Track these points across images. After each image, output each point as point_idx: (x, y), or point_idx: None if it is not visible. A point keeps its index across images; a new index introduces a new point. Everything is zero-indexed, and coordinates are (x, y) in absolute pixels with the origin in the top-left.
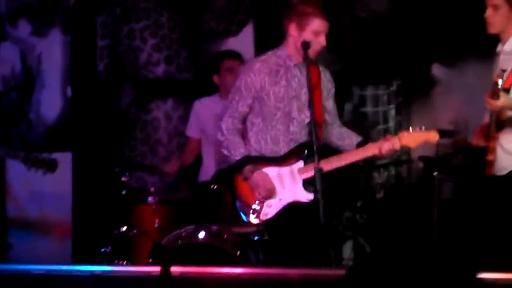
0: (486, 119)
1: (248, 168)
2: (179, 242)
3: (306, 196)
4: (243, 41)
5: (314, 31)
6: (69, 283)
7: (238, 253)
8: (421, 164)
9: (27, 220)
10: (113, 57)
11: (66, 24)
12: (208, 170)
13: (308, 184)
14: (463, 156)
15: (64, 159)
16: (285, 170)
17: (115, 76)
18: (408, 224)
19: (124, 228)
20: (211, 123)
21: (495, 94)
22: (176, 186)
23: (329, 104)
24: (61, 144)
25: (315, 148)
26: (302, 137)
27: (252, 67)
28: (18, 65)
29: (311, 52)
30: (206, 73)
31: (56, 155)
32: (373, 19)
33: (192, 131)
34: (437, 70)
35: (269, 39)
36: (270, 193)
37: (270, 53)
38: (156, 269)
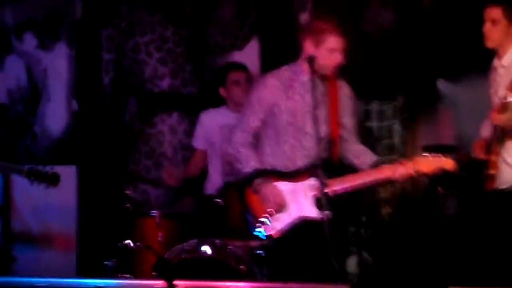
0: (484, 132)
1: (257, 181)
2: (183, 256)
3: (315, 213)
4: (248, 55)
5: (329, 48)
6: None
7: (242, 267)
8: (426, 179)
9: (31, 233)
10: (118, 71)
11: (71, 38)
12: (214, 182)
13: (318, 201)
14: (466, 172)
15: (69, 173)
16: (296, 185)
17: (120, 89)
18: (413, 239)
19: (128, 242)
20: (218, 135)
21: (503, 108)
22: (179, 199)
23: (347, 120)
24: (66, 157)
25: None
26: (318, 152)
27: (264, 82)
28: (24, 78)
29: (326, 69)
30: (212, 86)
31: (60, 169)
32: (379, 34)
33: (198, 142)
34: (442, 85)
35: (274, 54)
36: (280, 207)
37: (284, 67)
38: (160, 283)
